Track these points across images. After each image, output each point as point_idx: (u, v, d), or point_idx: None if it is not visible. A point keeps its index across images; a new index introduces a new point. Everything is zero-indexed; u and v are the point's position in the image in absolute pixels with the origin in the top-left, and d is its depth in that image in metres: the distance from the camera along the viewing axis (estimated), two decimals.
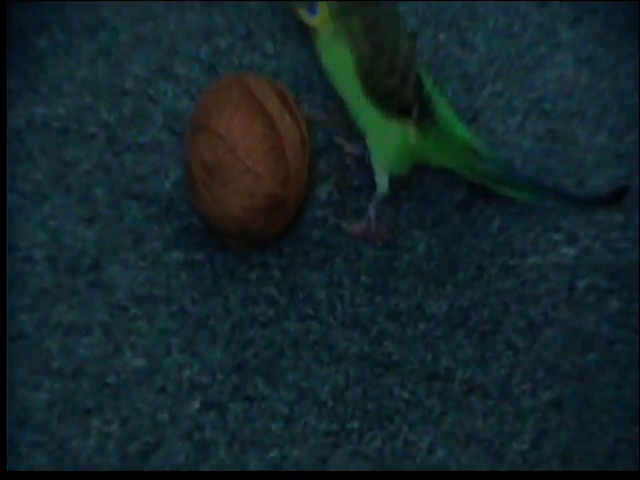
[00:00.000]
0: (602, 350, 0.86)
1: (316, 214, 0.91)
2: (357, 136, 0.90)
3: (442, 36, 0.97)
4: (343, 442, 0.83)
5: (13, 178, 0.91)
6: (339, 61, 0.82)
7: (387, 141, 0.84)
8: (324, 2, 0.82)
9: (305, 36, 0.95)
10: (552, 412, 0.84)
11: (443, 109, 0.84)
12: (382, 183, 0.86)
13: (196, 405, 0.84)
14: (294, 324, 0.87)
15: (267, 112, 0.83)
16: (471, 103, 0.95)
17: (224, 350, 0.86)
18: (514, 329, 0.87)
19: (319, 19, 0.83)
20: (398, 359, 0.86)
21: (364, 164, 0.92)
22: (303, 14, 0.83)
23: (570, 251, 0.90)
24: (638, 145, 0.94)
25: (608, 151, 0.93)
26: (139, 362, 0.85)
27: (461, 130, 0.85)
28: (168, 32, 0.97)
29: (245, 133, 0.83)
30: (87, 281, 0.88)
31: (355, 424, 0.84)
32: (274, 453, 0.83)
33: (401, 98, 0.82)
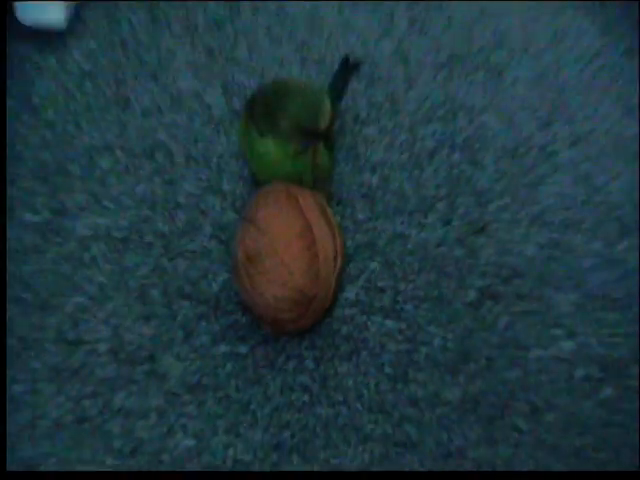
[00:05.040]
0: (597, 433, 0.89)
1: (345, 312, 0.94)
2: None
3: (456, 156, 1.02)
4: None
5: (80, 281, 0.95)
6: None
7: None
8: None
9: (335, 156, 1.01)
10: None
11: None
12: None
13: None
14: (325, 409, 0.90)
15: (306, 218, 0.88)
16: (481, 215, 0.99)
17: (264, 431, 0.89)
18: (519, 414, 0.89)
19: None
20: (417, 440, 0.88)
21: (389, 267, 0.96)
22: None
23: (569, 345, 0.92)
24: (630, 252, 0.97)
25: (602, 257, 0.97)
26: (189, 442, 0.88)
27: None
28: (217, 153, 1.02)
29: (285, 230, 0.87)
30: (144, 371, 0.91)
31: None
32: None
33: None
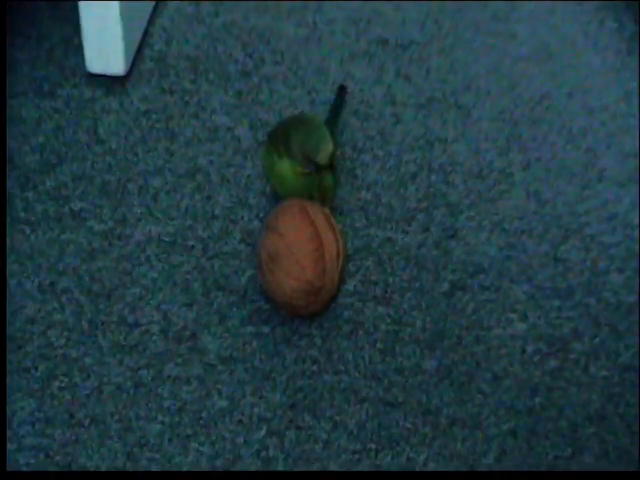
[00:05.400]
0: (544, 395, 0.89)
1: (346, 300, 0.94)
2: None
3: (433, 177, 1.02)
4: (365, 458, 0.85)
5: (137, 276, 0.94)
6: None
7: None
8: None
9: (338, 177, 0.99)
10: (510, 438, 0.86)
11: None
12: None
13: (262, 433, 0.86)
14: (330, 376, 0.90)
15: (315, 226, 0.88)
16: (453, 224, 0.99)
17: (282, 394, 0.89)
18: (483, 380, 0.90)
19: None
20: (402, 400, 0.89)
21: (380, 265, 0.96)
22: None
23: (522, 326, 0.93)
24: (571, 252, 0.97)
25: (549, 256, 0.97)
26: (223, 403, 0.88)
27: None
28: (245, 175, 1.03)
29: (298, 236, 0.87)
30: (187, 347, 0.91)
31: (373, 446, 0.86)
32: (317, 466, 0.85)
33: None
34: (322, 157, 0.89)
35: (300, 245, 0.87)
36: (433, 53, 1.13)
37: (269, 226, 0.90)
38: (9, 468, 0.84)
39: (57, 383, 0.89)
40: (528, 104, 1.09)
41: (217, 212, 1.00)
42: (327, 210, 0.92)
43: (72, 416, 0.87)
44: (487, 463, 0.86)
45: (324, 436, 0.87)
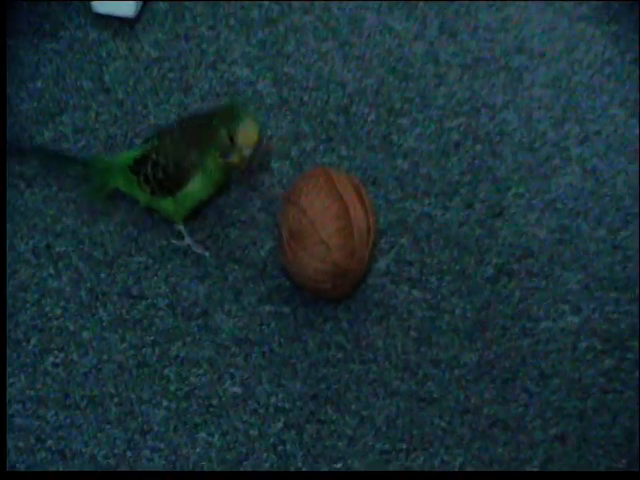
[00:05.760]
0: (597, 398, 0.86)
1: (377, 281, 0.91)
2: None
3: (478, 148, 0.97)
4: (394, 459, 0.83)
5: (143, 243, 0.91)
6: None
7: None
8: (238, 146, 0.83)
9: (372, 143, 0.97)
10: (557, 444, 0.84)
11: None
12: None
13: (279, 425, 0.84)
14: (358, 365, 0.87)
15: (343, 200, 0.83)
16: (499, 201, 0.95)
17: (303, 383, 0.86)
18: (529, 378, 0.87)
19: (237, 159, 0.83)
20: (438, 396, 0.86)
21: (416, 243, 0.92)
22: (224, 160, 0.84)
23: (574, 319, 0.89)
24: (631, 239, 0.93)
25: (606, 243, 0.93)
26: (237, 389, 0.86)
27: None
28: (266, 136, 0.98)
29: (323, 212, 0.83)
30: (198, 324, 0.88)
31: (403, 445, 0.84)
32: (339, 465, 0.83)
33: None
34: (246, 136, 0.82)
35: (325, 222, 0.83)
36: (482, 7, 1.07)
37: (290, 199, 0.85)
38: None
39: (51, 358, 0.87)
40: (587, 70, 1.03)
41: (234, 176, 0.95)
42: (357, 180, 0.87)
43: (67, 396, 0.86)
44: (531, 470, 0.83)
45: (348, 432, 0.85)
